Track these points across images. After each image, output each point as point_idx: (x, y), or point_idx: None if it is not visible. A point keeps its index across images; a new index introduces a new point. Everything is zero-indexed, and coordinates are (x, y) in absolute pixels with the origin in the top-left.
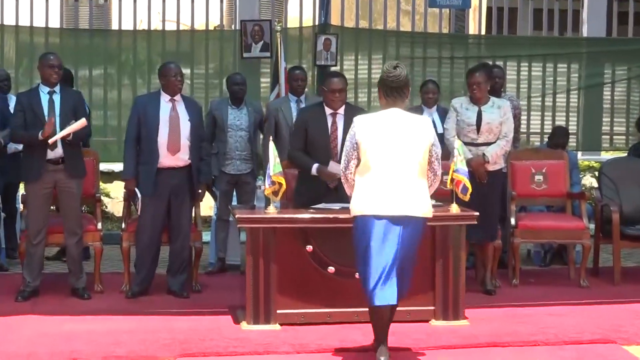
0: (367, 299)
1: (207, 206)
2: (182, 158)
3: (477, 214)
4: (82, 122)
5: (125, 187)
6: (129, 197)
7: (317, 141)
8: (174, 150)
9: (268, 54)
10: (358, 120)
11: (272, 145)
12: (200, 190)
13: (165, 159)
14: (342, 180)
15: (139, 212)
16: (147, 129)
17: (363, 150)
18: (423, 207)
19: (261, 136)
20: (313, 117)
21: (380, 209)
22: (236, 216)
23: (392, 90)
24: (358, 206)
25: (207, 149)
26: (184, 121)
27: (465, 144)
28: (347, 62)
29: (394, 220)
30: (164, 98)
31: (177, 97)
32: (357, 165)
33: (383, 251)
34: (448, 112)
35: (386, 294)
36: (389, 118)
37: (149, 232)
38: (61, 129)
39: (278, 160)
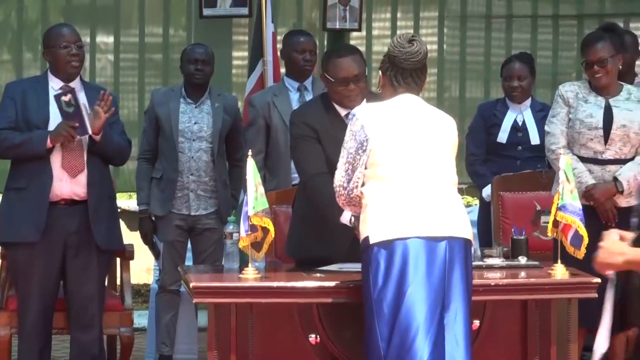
0: None
1: (142, 268)
2: (85, 183)
3: (599, 281)
4: None
5: None
6: None
7: (330, 162)
8: (73, 170)
9: (245, 11)
10: (361, 111)
11: (251, 164)
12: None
13: (59, 186)
14: (341, 201)
15: None
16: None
17: (377, 153)
18: (467, 227)
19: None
20: (321, 122)
21: (416, 229)
22: (191, 285)
23: (405, 75)
24: (380, 229)
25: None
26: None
27: (583, 160)
28: (377, 24)
29: (435, 242)
30: (53, 84)
31: (75, 84)
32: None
33: (425, 287)
34: (553, 107)
35: (446, 352)
36: (407, 107)
37: (34, 311)
38: None
39: (262, 190)
